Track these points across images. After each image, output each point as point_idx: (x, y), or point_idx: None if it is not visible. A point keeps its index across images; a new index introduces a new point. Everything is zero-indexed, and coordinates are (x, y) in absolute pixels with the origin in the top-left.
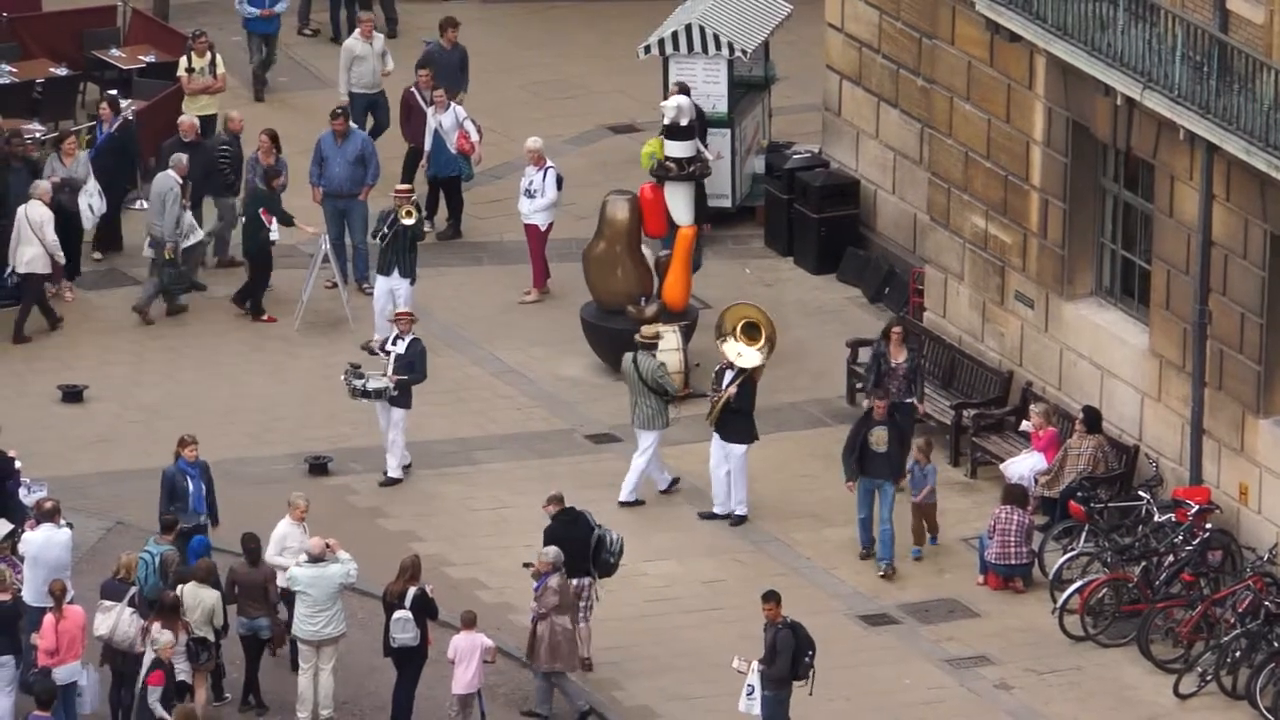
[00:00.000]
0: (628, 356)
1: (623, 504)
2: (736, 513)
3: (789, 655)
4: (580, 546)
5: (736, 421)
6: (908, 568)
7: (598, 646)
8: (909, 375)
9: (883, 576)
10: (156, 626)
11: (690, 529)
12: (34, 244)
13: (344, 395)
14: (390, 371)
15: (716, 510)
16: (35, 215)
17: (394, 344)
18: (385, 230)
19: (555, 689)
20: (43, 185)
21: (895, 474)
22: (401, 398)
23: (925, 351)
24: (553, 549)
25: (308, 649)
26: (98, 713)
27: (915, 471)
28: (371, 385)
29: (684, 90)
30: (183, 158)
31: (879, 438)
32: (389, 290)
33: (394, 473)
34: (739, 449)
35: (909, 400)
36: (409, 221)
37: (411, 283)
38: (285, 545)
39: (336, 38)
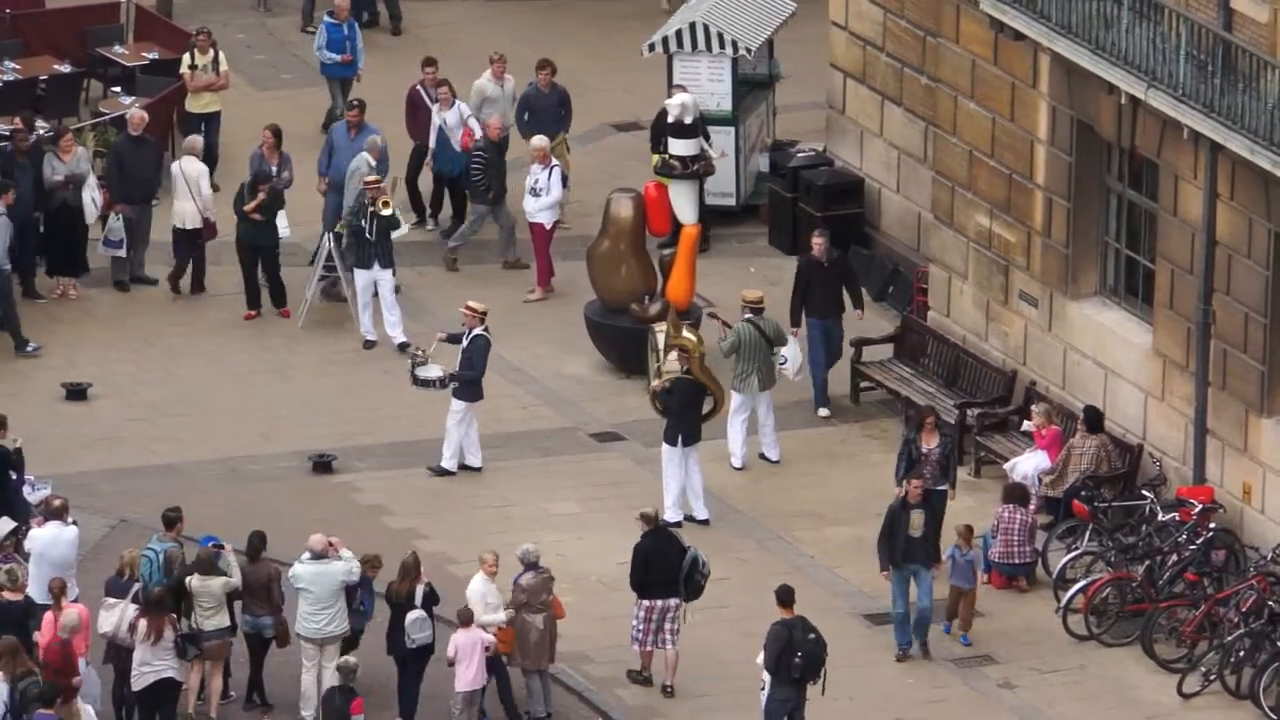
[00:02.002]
0: (743, 326)
1: (775, 462)
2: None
3: (775, 650)
4: (672, 566)
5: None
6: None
7: (604, 645)
8: (941, 461)
9: (899, 659)
10: (143, 623)
11: (693, 528)
12: (189, 200)
13: (347, 393)
14: (457, 365)
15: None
16: (191, 170)
17: (466, 338)
18: (362, 223)
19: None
20: (195, 140)
21: (932, 558)
22: (462, 390)
23: (930, 350)
24: (526, 545)
25: (311, 647)
26: (100, 711)
27: (957, 557)
28: (424, 374)
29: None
30: (377, 139)
31: (916, 522)
32: (371, 282)
33: (445, 463)
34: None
35: (942, 488)
36: (387, 212)
37: (393, 272)
38: (487, 601)
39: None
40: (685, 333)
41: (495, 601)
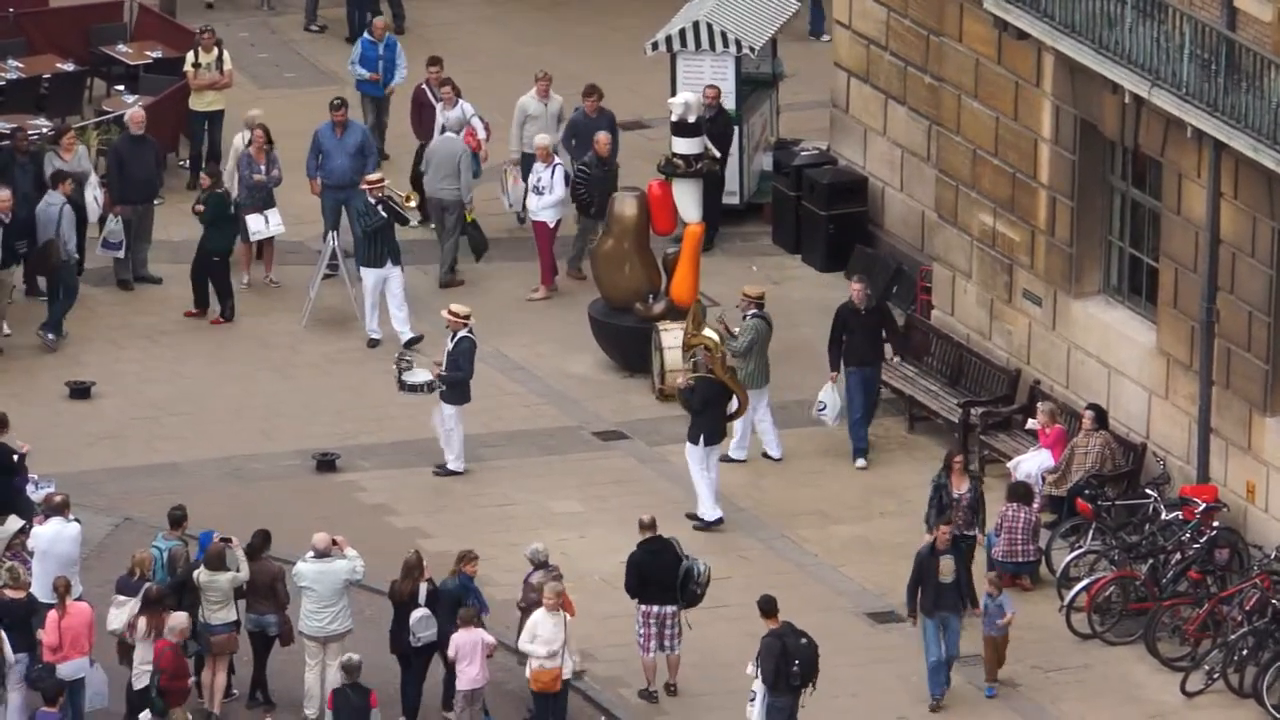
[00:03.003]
0: (756, 322)
1: (778, 459)
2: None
3: (772, 663)
4: (667, 576)
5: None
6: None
7: (606, 644)
8: (972, 506)
9: (932, 709)
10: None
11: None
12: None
13: (350, 392)
14: (444, 367)
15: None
16: (240, 143)
17: (451, 341)
18: (377, 219)
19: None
20: (254, 113)
21: (965, 603)
22: (450, 393)
23: (933, 349)
24: (535, 545)
25: (314, 645)
26: (107, 709)
27: (989, 604)
28: (411, 379)
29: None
30: (468, 116)
31: (946, 568)
32: (380, 280)
33: (452, 465)
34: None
35: (971, 533)
36: (414, 204)
37: (402, 268)
38: (536, 634)
39: (351, 36)
40: (706, 331)
41: (544, 636)
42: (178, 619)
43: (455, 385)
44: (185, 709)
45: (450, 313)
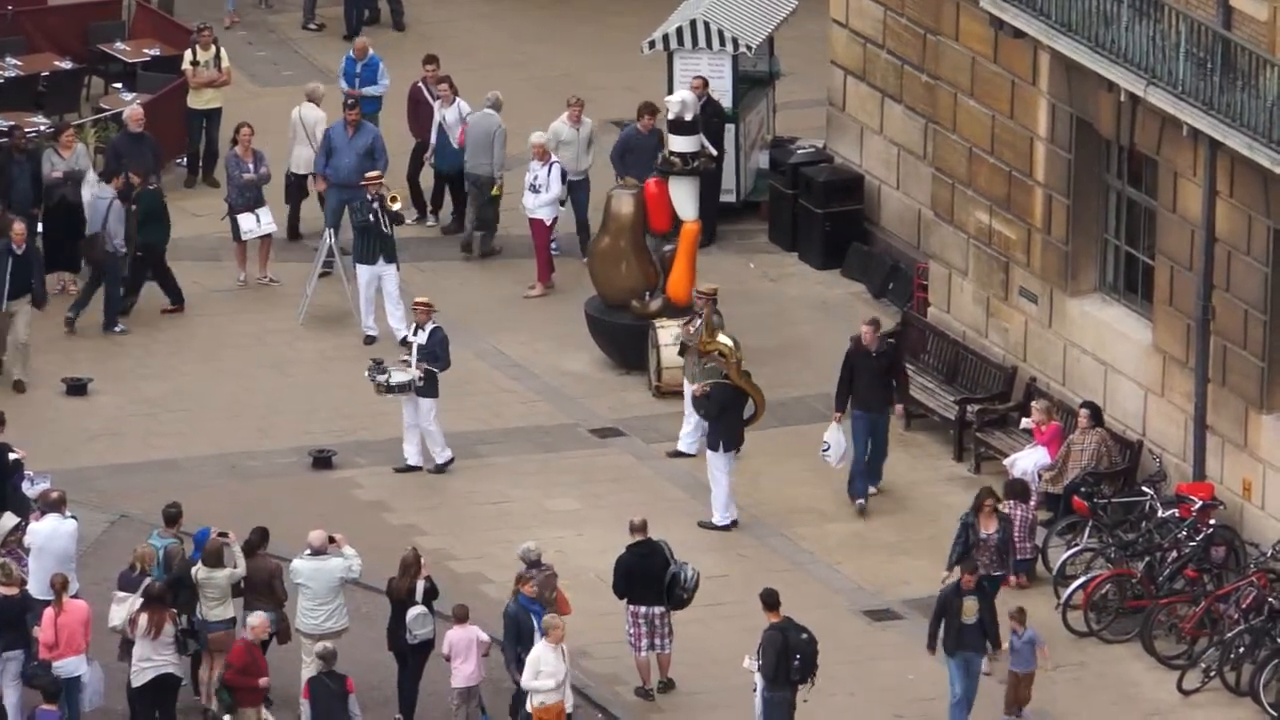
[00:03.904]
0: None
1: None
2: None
3: (773, 656)
4: (654, 579)
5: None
6: (911, 560)
7: (602, 641)
8: (1000, 547)
9: None
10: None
11: (692, 525)
12: (306, 145)
13: (347, 389)
14: (414, 362)
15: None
16: (310, 116)
17: (414, 334)
18: (370, 218)
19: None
20: (316, 87)
21: (989, 644)
22: (428, 387)
23: (930, 347)
24: (527, 544)
25: (310, 643)
26: (103, 708)
27: (1015, 641)
28: (396, 379)
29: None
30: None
31: (969, 609)
32: (375, 277)
33: (440, 460)
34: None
35: (999, 574)
36: (396, 207)
37: (396, 267)
38: (540, 669)
39: (349, 35)
40: (721, 337)
41: (547, 670)
42: (257, 617)
43: (433, 379)
44: (260, 711)
45: (419, 304)
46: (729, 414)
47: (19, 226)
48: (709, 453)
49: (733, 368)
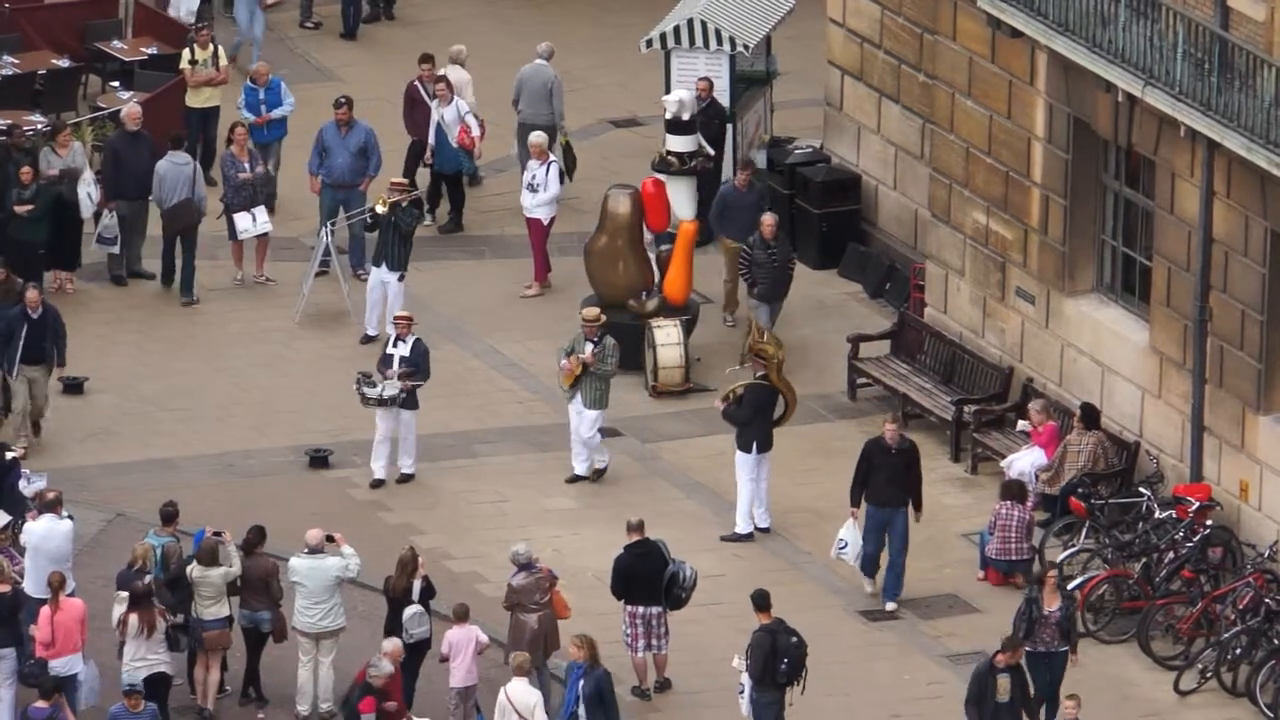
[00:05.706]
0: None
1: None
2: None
3: (760, 658)
4: (652, 580)
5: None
6: (909, 560)
7: (600, 641)
8: (1061, 625)
9: None
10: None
11: (690, 524)
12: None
13: (345, 388)
14: (396, 374)
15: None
16: (456, 78)
17: (394, 346)
18: (373, 219)
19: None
20: (459, 48)
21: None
22: (410, 399)
23: (926, 347)
24: (517, 546)
25: (307, 641)
26: (97, 706)
27: None
28: (388, 393)
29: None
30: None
31: (1003, 687)
32: (381, 282)
33: (408, 469)
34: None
35: (1063, 649)
36: (381, 209)
37: (400, 278)
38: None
39: (346, 32)
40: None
41: (519, 703)
42: (391, 644)
43: (413, 390)
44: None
45: (400, 318)
46: (762, 415)
47: (33, 294)
48: (738, 455)
49: (773, 369)
